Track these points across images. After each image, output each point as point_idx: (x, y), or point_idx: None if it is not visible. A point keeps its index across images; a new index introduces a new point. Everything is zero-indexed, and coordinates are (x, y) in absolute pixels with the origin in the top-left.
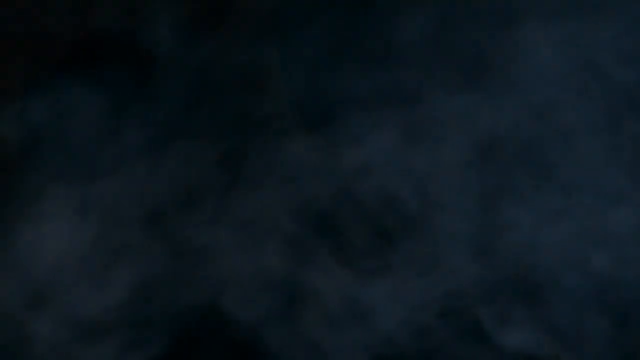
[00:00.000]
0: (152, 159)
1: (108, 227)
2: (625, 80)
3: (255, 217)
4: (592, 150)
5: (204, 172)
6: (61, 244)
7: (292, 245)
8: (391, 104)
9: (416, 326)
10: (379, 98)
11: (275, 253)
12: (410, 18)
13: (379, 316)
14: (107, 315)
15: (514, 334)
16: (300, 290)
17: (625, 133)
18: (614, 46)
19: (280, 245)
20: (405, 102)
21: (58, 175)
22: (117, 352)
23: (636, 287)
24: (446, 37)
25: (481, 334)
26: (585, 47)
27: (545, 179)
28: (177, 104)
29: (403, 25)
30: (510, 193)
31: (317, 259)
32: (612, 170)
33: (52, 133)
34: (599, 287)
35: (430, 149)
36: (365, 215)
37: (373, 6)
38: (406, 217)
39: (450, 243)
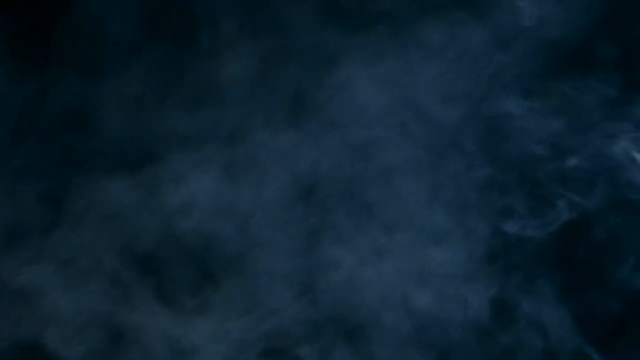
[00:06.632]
0: None
1: None
2: (445, 119)
3: (77, 256)
4: (412, 189)
5: (26, 210)
6: None
7: (114, 284)
8: (213, 143)
9: None
10: (200, 137)
11: (97, 292)
12: (232, 57)
13: (200, 355)
14: None
15: None
16: (122, 329)
17: (446, 172)
18: (433, 86)
19: (102, 284)
20: (227, 141)
21: None
22: None
23: (456, 325)
24: (268, 76)
25: None
26: (406, 87)
27: (366, 217)
28: None
29: (225, 64)
30: (331, 232)
31: (139, 298)
32: (432, 209)
33: None
34: (419, 326)
35: (251, 188)
36: (187, 254)
37: (195, 45)
38: (228, 256)
39: (271, 282)
